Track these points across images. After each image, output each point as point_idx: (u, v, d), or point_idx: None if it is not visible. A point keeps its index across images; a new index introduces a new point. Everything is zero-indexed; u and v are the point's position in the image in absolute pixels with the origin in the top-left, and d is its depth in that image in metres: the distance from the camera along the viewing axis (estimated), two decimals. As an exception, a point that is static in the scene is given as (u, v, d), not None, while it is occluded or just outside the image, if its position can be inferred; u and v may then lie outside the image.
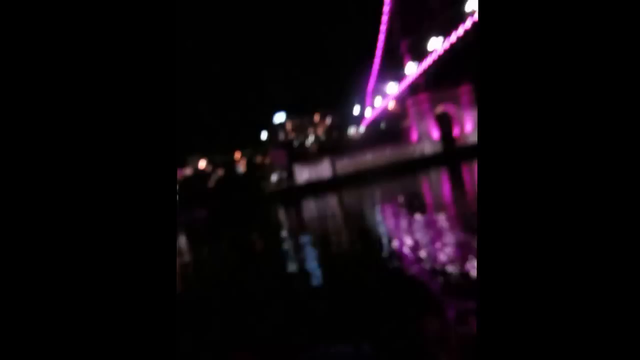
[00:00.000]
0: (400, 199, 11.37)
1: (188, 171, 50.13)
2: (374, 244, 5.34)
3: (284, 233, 10.06)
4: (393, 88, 48.67)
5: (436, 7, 39.61)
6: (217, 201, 38.41)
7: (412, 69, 43.77)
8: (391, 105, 49.91)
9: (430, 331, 0.38)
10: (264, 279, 4.76)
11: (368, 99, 56.47)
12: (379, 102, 52.42)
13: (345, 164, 43.79)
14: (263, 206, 28.37)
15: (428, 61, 40.68)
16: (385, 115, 51.85)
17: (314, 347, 0.54)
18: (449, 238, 4.37)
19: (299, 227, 10.91)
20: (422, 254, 3.83)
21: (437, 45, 39.54)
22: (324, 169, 44.16)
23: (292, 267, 5.01)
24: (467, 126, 43.10)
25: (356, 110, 58.47)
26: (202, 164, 50.70)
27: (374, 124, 54.22)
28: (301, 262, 5.25)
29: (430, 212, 7.01)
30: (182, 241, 14.02)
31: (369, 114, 56.07)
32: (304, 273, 4.53)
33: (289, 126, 58.44)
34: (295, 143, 55.50)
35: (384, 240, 5.62)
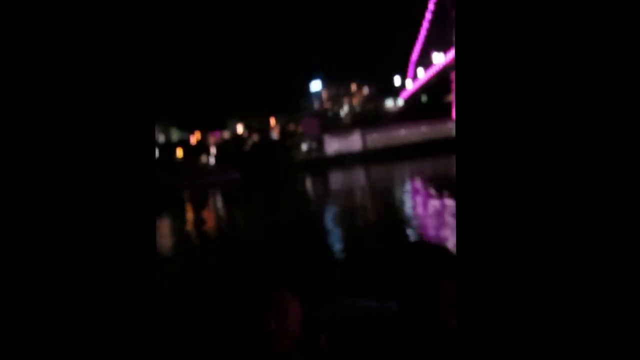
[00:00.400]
0: (431, 180, 10.97)
1: (226, 134, 51.94)
2: (397, 219, 5.30)
3: (311, 201, 10.31)
4: (439, 58, 45.17)
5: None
6: (250, 165, 39.81)
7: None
8: (435, 77, 46.64)
9: (451, 296, 0.39)
10: (291, 239, 4.97)
11: (410, 70, 53.18)
12: (422, 73, 49.18)
13: (377, 138, 42.52)
14: (292, 174, 28.95)
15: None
16: (427, 88, 48.78)
17: (341, 300, 0.57)
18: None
19: (325, 196, 11.12)
20: (446, 232, 3.72)
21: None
22: (354, 142, 43.31)
23: (318, 231, 5.18)
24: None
25: (396, 81, 55.50)
26: (240, 128, 52.18)
27: (414, 97, 51.39)
28: (327, 228, 5.39)
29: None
30: (218, 200, 15.07)
31: (409, 85, 53.08)
32: (329, 238, 4.67)
33: (324, 95, 57.27)
34: (330, 113, 54.56)
35: (408, 215, 5.54)
